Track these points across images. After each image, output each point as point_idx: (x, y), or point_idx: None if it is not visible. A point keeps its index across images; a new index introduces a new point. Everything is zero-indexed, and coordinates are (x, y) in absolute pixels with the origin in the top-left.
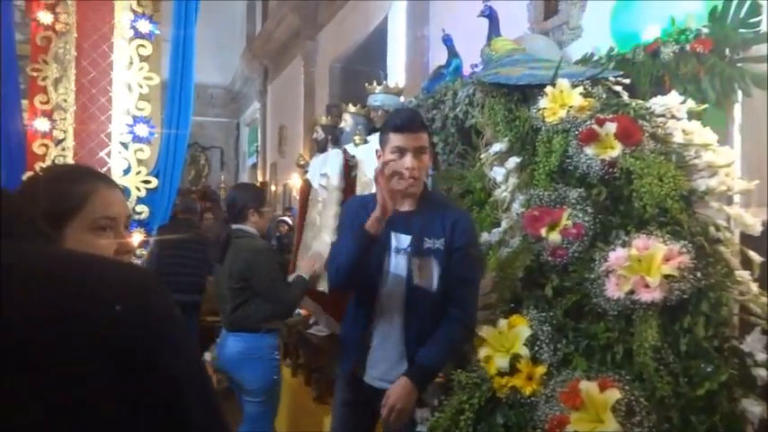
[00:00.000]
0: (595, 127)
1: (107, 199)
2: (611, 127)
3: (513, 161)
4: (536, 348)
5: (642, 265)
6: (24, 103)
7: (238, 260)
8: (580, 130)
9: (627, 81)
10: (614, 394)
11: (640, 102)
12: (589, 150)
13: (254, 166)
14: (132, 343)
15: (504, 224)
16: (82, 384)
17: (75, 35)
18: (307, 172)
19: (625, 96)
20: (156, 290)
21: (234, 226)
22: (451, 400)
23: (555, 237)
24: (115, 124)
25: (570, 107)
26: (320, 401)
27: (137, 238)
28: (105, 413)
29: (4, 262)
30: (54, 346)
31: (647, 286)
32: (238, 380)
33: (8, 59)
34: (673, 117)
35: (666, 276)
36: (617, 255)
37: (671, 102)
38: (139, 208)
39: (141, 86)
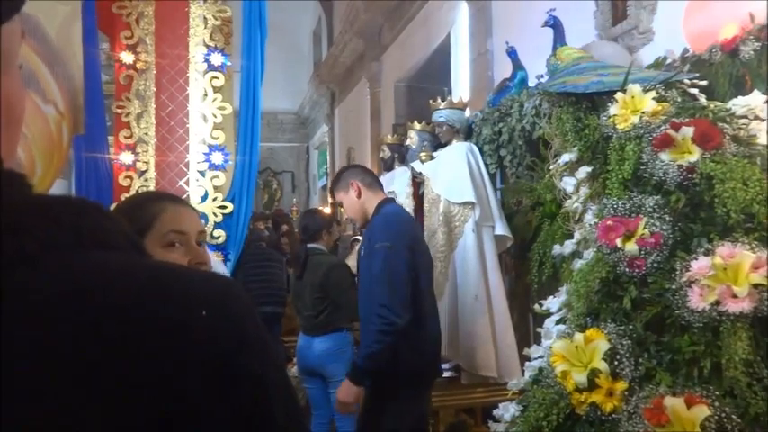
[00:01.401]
0: (671, 132)
1: (176, 215)
2: (688, 131)
3: (583, 171)
4: (615, 363)
5: (728, 275)
6: (110, 139)
7: (319, 274)
8: (654, 135)
9: (704, 83)
10: (703, 411)
11: (719, 104)
12: (665, 156)
13: (325, 187)
14: (218, 346)
15: (576, 236)
16: (176, 388)
17: (155, 72)
18: None
19: (702, 99)
20: (238, 295)
21: (309, 245)
22: (528, 416)
23: (631, 247)
24: (192, 154)
25: (643, 113)
26: None
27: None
28: (193, 416)
29: (91, 269)
30: (145, 352)
31: (734, 296)
32: (327, 374)
33: (96, 100)
34: (756, 118)
35: (755, 285)
36: (700, 264)
37: (753, 102)
38: (216, 233)
39: (215, 116)
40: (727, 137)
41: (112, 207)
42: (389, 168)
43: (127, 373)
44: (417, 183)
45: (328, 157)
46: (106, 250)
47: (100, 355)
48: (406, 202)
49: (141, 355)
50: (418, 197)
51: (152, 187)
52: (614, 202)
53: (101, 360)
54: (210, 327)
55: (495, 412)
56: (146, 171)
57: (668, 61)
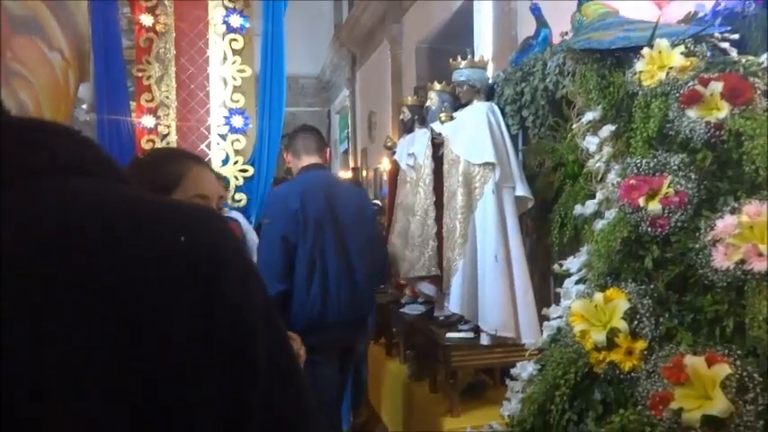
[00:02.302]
0: (699, 87)
1: (200, 178)
2: (717, 86)
3: (607, 129)
4: (635, 323)
5: (754, 233)
6: (132, 104)
7: None
8: (681, 92)
9: (735, 36)
10: (724, 369)
11: (751, 58)
12: (692, 113)
13: (346, 152)
14: (197, 272)
15: (598, 196)
16: (154, 319)
17: (174, 34)
18: (394, 153)
19: (733, 53)
20: (219, 224)
21: None
22: (545, 374)
23: (655, 206)
24: (213, 117)
25: (670, 68)
26: (415, 379)
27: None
28: (173, 346)
29: (70, 196)
30: (121, 283)
31: (760, 255)
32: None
33: (117, 64)
34: None
35: None
36: (725, 222)
37: None
38: (238, 196)
39: (235, 79)
40: (759, 92)
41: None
42: (410, 130)
43: (104, 306)
44: (437, 144)
45: (349, 122)
46: (84, 177)
47: (71, 283)
48: (425, 163)
49: (118, 287)
50: (438, 158)
51: None
52: (638, 161)
53: (72, 288)
54: (190, 255)
55: (513, 371)
56: (167, 134)
57: (699, 15)
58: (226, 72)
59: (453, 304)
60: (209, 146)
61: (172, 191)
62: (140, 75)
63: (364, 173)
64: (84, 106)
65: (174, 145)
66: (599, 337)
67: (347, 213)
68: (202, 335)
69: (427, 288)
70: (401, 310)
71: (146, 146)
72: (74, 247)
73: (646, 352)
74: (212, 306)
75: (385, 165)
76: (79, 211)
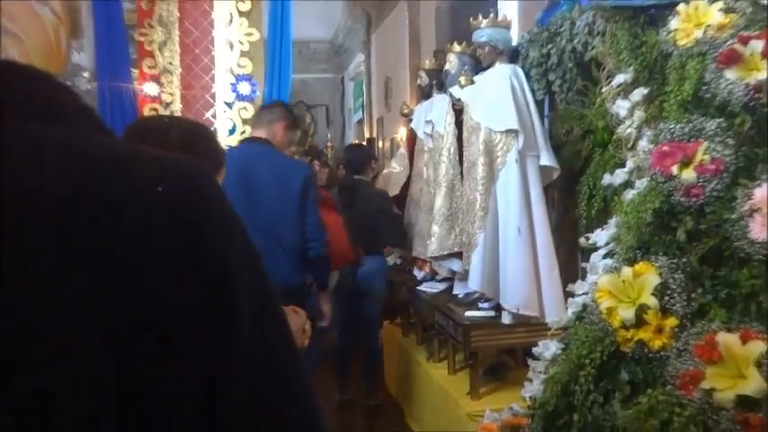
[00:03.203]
0: (738, 46)
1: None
2: (758, 45)
3: (639, 93)
4: (666, 298)
5: None
6: (134, 71)
7: (373, 203)
8: (719, 51)
9: None
10: (759, 346)
11: None
12: (731, 74)
13: (361, 122)
14: (179, 224)
15: (629, 164)
16: (135, 273)
17: None
18: (411, 121)
19: None
20: (205, 176)
21: (356, 177)
22: (570, 354)
23: (689, 174)
24: (219, 84)
25: (707, 26)
26: (434, 360)
27: None
28: (155, 300)
29: (45, 142)
30: (102, 228)
31: None
32: (374, 289)
33: (118, 28)
34: None
35: None
36: (764, 191)
37: None
38: None
39: (242, 43)
40: None
41: (143, 120)
42: (427, 96)
43: (81, 259)
44: (456, 110)
45: (364, 89)
46: (61, 124)
47: (43, 234)
48: (445, 131)
49: (93, 239)
50: (458, 125)
51: None
52: (672, 126)
53: (45, 240)
54: (172, 206)
55: (535, 350)
56: (171, 103)
57: None
58: (232, 35)
59: (473, 281)
60: (214, 114)
61: (216, 172)
62: (142, 39)
63: (380, 143)
64: (86, 74)
65: (178, 114)
66: (627, 314)
67: (263, 190)
68: (187, 288)
69: (455, 264)
70: (418, 288)
71: (148, 114)
72: (47, 197)
73: (676, 329)
74: (196, 259)
75: (402, 134)
76: (53, 159)
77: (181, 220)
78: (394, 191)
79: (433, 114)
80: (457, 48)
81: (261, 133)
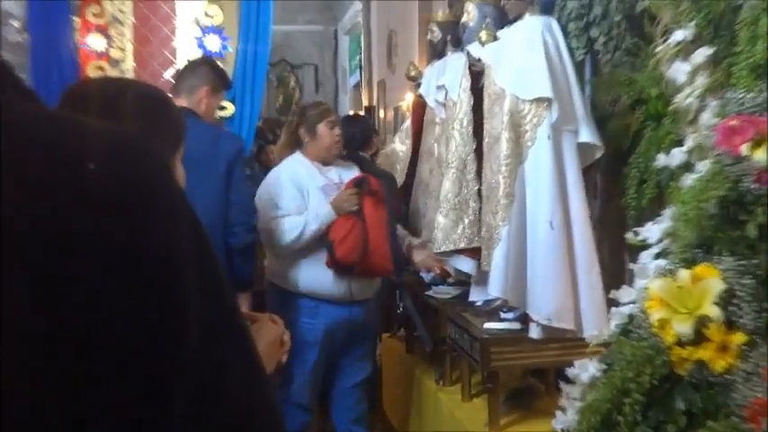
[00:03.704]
0: None
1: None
2: None
3: (701, 54)
4: (732, 309)
5: None
6: (76, 20)
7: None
8: None
9: None
10: None
11: None
12: None
13: (358, 86)
14: (108, 211)
15: (688, 142)
16: (63, 258)
17: None
18: (419, 86)
19: None
20: (150, 153)
21: (361, 154)
22: (612, 376)
23: (762, 155)
24: (181, 38)
25: None
26: (445, 383)
27: None
28: (86, 287)
29: None
30: (21, 212)
31: None
32: None
33: None
34: None
35: None
36: None
37: None
38: None
39: None
40: None
41: (89, 81)
42: (440, 55)
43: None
44: (475, 73)
45: (363, 45)
46: None
47: None
48: (461, 98)
49: (18, 220)
50: (476, 92)
51: None
52: (741, 96)
53: None
54: (104, 186)
55: (570, 371)
56: (121, 60)
57: None
58: None
59: (494, 286)
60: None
61: (176, 149)
62: None
63: (381, 113)
64: (16, 23)
65: (130, 74)
66: (684, 327)
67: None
68: (118, 284)
69: (465, 264)
70: (426, 293)
71: (93, 74)
72: None
73: (745, 347)
74: (131, 251)
75: (408, 102)
76: None
77: (114, 205)
78: (399, 178)
79: (447, 78)
80: None
81: (182, 102)
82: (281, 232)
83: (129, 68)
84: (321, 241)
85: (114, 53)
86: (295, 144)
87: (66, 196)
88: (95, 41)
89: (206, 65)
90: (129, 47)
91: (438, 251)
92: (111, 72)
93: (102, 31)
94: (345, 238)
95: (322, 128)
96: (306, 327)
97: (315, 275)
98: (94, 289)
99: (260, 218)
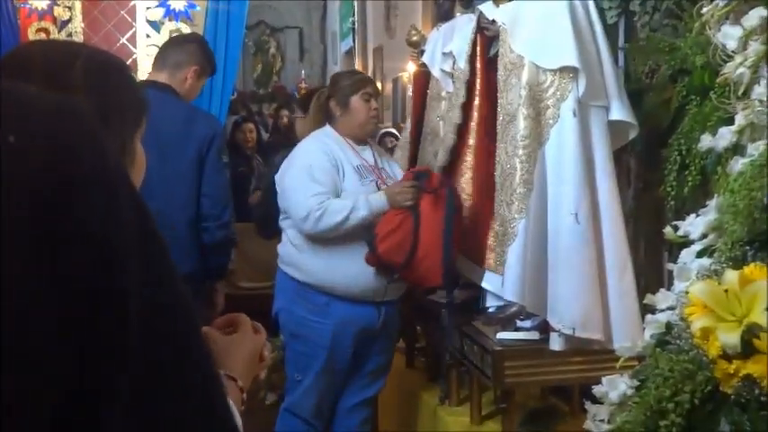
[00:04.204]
0: None
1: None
2: None
3: (756, 15)
4: None
5: None
6: None
7: None
8: None
9: None
10: None
11: None
12: None
13: (350, 52)
14: (37, 187)
15: (739, 120)
16: None
17: None
18: (422, 53)
19: None
20: (79, 120)
21: None
22: (646, 395)
23: None
24: None
25: None
26: (452, 403)
27: None
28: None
29: None
30: None
31: None
32: None
33: None
34: None
35: None
36: None
37: None
38: None
39: None
40: None
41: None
42: (446, 17)
43: None
44: (488, 38)
45: (356, 5)
46: None
47: None
48: (468, 69)
49: None
50: (487, 60)
51: None
52: None
53: None
54: (27, 163)
55: (597, 389)
56: (69, 20)
57: None
58: None
59: (509, 289)
60: (133, 40)
61: (137, 128)
62: None
63: (379, 84)
64: None
65: (79, 36)
66: (730, 338)
67: (160, 154)
68: (42, 274)
69: (468, 269)
70: (430, 297)
71: (35, 37)
72: None
73: None
74: (58, 237)
75: (410, 72)
76: None
77: (38, 182)
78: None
79: (455, 44)
80: None
81: (162, 77)
82: (325, 212)
83: (77, 30)
84: (358, 232)
85: (59, 12)
86: (325, 118)
87: None
88: None
89: (196, 42)
90: (78, 5)
91: None
92: (56, 36)
93: None
94: (392, 233)
95: (356, 101)
96: (315, 327)
97: (340, 267)
98: (8, 280)
99: (291, 196)
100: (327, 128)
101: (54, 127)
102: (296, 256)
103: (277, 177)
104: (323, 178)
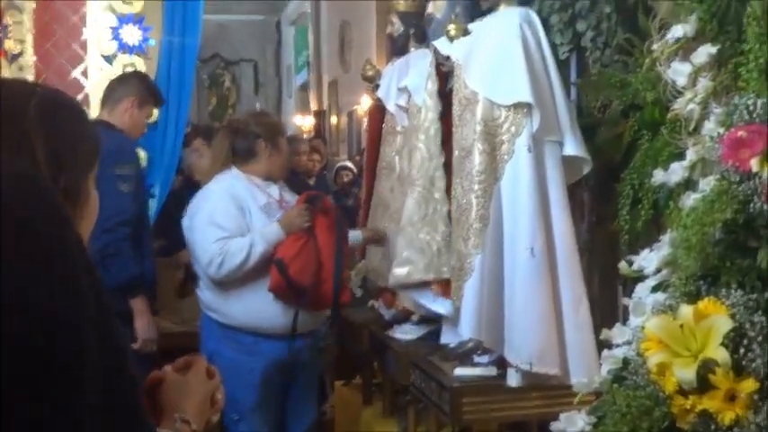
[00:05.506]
0: None
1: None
2: None
3: (705, 52)
4: (742, 351)
5: None
6: None
7: None
8: None
9: None
10: None
11: None
12: None
13: (305, 86)
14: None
15: (690, 155)
16: None
17: None
18: (377, 87)
19: None
20: (43, 194)
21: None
22: (604, 431)
23: None
24: (92, 28)
25: None
26: None
27: None
28: None
29: None
30: None
31: None
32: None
33: None
34: None
35: None
36: None
37: None
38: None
39: None
40: None
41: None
42: (402, 51)
43: None
44: (443, 73)
45: (311, 39)
46: None
47: None
48: (426, 103)
49: None
50: (445, 96)
51: (31, 80)
52: (751, 101)
53: None
54: None
55: (554, 425)
56: (20, 54)
57: None
58: None
59: (466, 325)
60: (85, 73)
61: (89, 169)
62: None
63: (333, 118)
64: None
65: (30, 70)
66: (686, 373)
67: None
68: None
69: (430, 300)
70: (388, 333)
71: None
72: None
73: (756, 396)
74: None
75: (365, 105)
76: None
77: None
78: None
79: (410, 79)
80: None
81: (103, 115)
82: (225, 256)
83: (28, 64)
84: (264, 266)
85: (10, 45)
86: (228, 159)
87: None
88: None
89: (135, 77)
90: (29, 38)
91: (401, 284)
92: (7, 69)
93: None
94: (298, 255)
95: (283, 141)
96: (245, 366)
97: (256, 305)
98: None
99: (196, 242)
100: (233, 169)
101: (16, 199)
102: (216, 302)
103: (184, 222)
104: (226, 223)
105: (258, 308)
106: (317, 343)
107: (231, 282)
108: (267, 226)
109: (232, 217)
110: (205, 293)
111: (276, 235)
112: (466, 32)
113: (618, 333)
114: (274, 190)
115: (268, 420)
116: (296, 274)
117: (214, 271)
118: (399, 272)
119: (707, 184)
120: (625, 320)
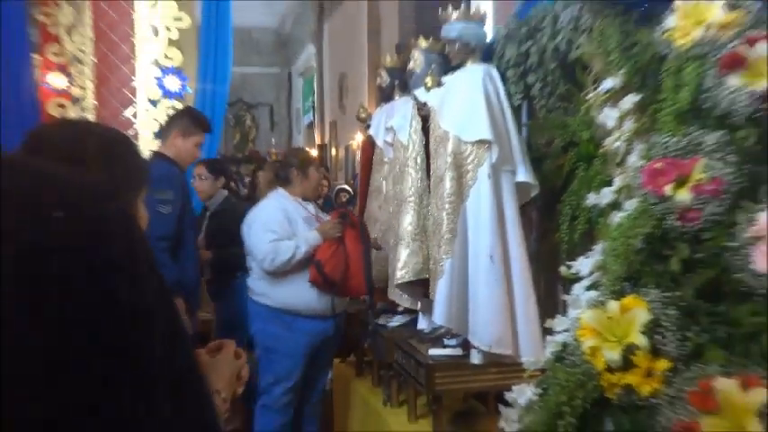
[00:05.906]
0: (742, 49)
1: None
2: (765, 48)
3: (629, 100)
4: (657, 337)
5: None
6: (36, 58)
7: None
8: (722, 54)
9: None
10: (762, 394)
11: None
12: (734, 81)
13: (311, 125)
14: (70, 252)
15: (617, 182)
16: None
17: None
18: (369, 126)
19: None
20: (110, 200)
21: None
22: (547, 400)
23: (684, 195)
24: (140, 77)
25: (708, 25)
26: (392, 405)
27: None
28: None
29: None
30: None
31: None
32: None
33: (15, 6)
34: None
35: None
36: None
37: None
38: None
39: (170, 29)
40: None
41: (54, 125)
42: (388, 98)
43: None
44: (423, 116)
45: (315, 87)
46: None
47: None
48: (410, 140)
49: None
50: (425, 132)
51: (91, 119)
52: (666, 140)
53: None
54: (67, 233)
55: (508, 395)
56: (82, 98)
57: None
58: (157, 20)
59: (438, 314)
60: (135, 114)
61: (138, 189)
62: (45, 20)
63: (333, 151)
64: None
65: (91, 112)
66: (613, 354)
67: None
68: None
69: (403, 299)
70: (377, 320)
71: (53, 112)
72: None
73: (669, 373)
74: (91, 296)
75: (358, 140)
76: None
77: (76, 251)
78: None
79: (395, 120)
80: (423, 44)
81: (161, 148)
82: (276, 254)
83: (89, 106)
84: (305, 264)
85: (75, 91)
86: (279, 181)
87: (31, 242)
88: (56, 80)
89: (182, 112)
90: (90, 85)
91: (400, 282)
92: (72, 109)
93: (63, 69)
94: (331, 257)
95: (313, 170)
96: (286, 340)
97: (297, 292)
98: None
99: (253, 243)
100: (281, 190)
101: (91, 205)
102: (266, 289)
103: (244, 227)
104: (277, 228)
105: (299, 294)
106: (341, 323)
107: (280, 274)
108: (308, 233)
109: (281, 224)
110: (256, 283)
111: (316, 240)
112: (440, 84)
113: (559, 322)
114: (311, 207)
115: (295, 384)
116: (330, 271)
117: (267, 265)
118: (398, 272)
119: (630, 205)
120: (565, 313)
